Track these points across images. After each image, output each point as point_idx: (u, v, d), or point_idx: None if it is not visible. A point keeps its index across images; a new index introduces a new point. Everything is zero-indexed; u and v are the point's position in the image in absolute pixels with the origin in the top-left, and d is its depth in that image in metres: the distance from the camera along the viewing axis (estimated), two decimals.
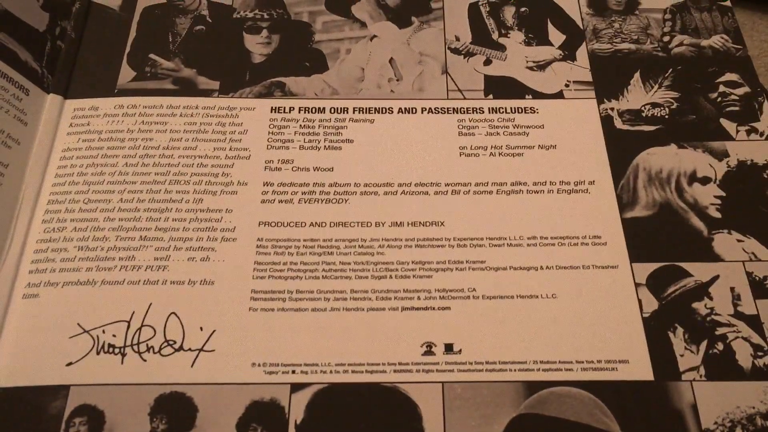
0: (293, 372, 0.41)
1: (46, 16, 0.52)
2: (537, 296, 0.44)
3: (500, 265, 0.45)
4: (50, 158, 0.48)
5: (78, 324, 0.42)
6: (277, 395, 0.40)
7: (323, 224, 0.47)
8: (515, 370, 0.41)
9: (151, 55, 0.54)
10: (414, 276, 0.45)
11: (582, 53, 0.55)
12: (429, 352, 0.42)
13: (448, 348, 0.42)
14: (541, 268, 0.45)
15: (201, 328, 0.43)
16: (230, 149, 0.49)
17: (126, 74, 0.53)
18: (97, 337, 0.42)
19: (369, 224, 0.47)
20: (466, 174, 0.49)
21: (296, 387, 0.41)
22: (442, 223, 0.47)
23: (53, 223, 0.46)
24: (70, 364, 0.41)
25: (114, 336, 0.42)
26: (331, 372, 0.41)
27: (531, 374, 0.41)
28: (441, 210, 0.47)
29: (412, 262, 0.45)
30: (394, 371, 0.41)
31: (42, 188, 0.47)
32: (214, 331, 0.42)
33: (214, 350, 0.42)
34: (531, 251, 0.46)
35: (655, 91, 0.53)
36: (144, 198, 0.47)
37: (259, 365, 0.41)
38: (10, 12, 0.50)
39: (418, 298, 0.44)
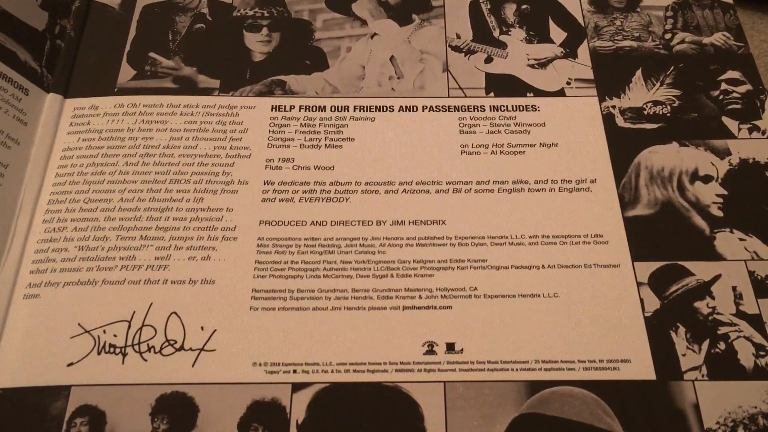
0: (294, 371, 0.41)
1: (45, 15, 0.52)
2: (539, 295, 0.44)
3: (502, 263, 0.45)
4: (50, 158, 0.48)
5: (79, 324, 0.42)
6: (278, 395, 0.40)
7: (324, 223, 0.46)
8: (517, 370, 0.41)
9: (151, 54, 0.54)
10: (415, 275, 0.45)
11: (583, 51, 0.55)
12: (430, 351, 0.42)
13: (450, 347, 0.42)
14: (543, 267, 0.45)
15: (202, 328, 0.42)
16: (231, 148, 0.49)
17: (126, 73, 0.53)
18: (98, 337, 0.42)
19: (370, 223, 0.47)
20: (467, 172, 0.49)
21: (297, 386, 0.41)
22: (443, 222, 0.47)
23: (54, 223, 0.46)
24: (71, 364, 0.41)
25: (115, 336, 0.42)
26: (332, 371, 0.41)
27: (533, 374, 0.41)
28: (442, 208, 0.47)
29: (414, 261, 0.45)
30: (396, 371, 0.41)
31: (42, 188, 0.47)
32: (215, 330, 0.42)
33: (215, 350, 0.42)
34: (532, 250, 0.46)
35: (657, 89, 0.53)
36: (144, 197, 0.47)
37: (260, 365, 0.41)
38: (8, 12, 0.49)
39: (420, 297, 0.44)
